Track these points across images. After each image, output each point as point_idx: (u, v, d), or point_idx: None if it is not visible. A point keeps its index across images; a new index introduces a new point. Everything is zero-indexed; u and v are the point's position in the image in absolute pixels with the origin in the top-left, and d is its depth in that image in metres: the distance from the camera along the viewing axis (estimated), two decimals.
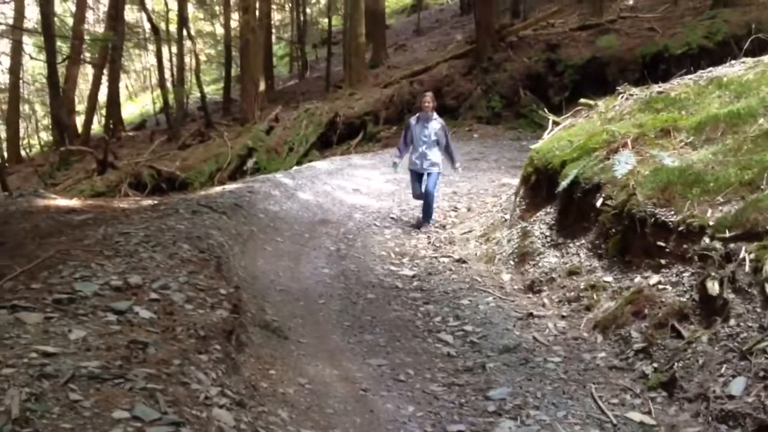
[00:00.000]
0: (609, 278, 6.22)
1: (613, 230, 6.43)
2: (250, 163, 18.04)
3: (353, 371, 5.23)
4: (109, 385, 3.48)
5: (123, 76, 34.88)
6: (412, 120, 9.81)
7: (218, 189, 11.80)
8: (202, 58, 32.20)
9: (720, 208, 5.60)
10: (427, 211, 9.75)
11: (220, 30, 32.27)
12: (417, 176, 9.75)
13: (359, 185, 12.09)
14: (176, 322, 4.50)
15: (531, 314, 6.31)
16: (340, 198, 11.26)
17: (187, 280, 5.35)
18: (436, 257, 8.35)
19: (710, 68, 8.87)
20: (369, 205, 10.82)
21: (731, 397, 4.28)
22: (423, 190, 9.69)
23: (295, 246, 8.71)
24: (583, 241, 6.89)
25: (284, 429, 3.97)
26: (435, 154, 9.61)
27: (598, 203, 6.73)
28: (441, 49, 24.37)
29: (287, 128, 19.22)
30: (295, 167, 14.92)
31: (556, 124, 10.35)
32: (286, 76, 34.21)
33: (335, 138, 18.81)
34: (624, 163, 6.82)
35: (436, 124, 9.60)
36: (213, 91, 34.94)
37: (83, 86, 35.03)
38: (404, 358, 5.55)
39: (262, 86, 24.18)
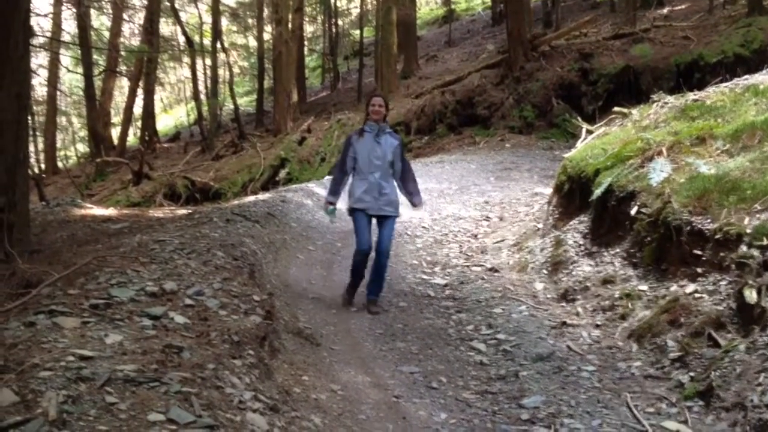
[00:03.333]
0: (644, 287, 6.15)
1: (648, 238, 6.35)
2: (282, 173, 18.18)
3: (385, 378, 5.23)
4: (145, 388, 3.52)
5: (158, 89, 35.37)
6: (354, 136, 6.90)
7: (251, 198, 11.90)
8: (236, 70, 32.56)
9: (757, 215, 5.51)
10: (379, 279, 6.90)
11: (253, 42, 32.60)
12: (366, 219, 6.77)
13: None
14: (210, 328, 4.54)
15: (564, 323, 6.26)
16: None
17: (221, 287, 5.40)
18: (468, 266, 8.33)
19: (746, 76, 8.77)
20: (401, 215, 10.80)
21: None
22: (374, 244, 6.80)
23: (327, 255, 8.74)
24: (617, 250, 6.82)
25: None
26: (392, 187, 6.86)
27: (633, 211, 6.67)
28: (472, 60, 24.37)
29: (319, 139, 19.35)
30: (327, 177, 14.99)
31: (589, 132, 10.29)
32: (318, 88, 34.44)
33: None
34: (659, 170, 6.75)
35: (391, 140, 6.83)
36: (246, 102, 35.31)
37: (119, 98, 35.61)
38: (437, 365, 5.54)
39: (294, 97, 24.38)
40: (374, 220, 6.86)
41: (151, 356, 3.90)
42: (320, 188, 12.07)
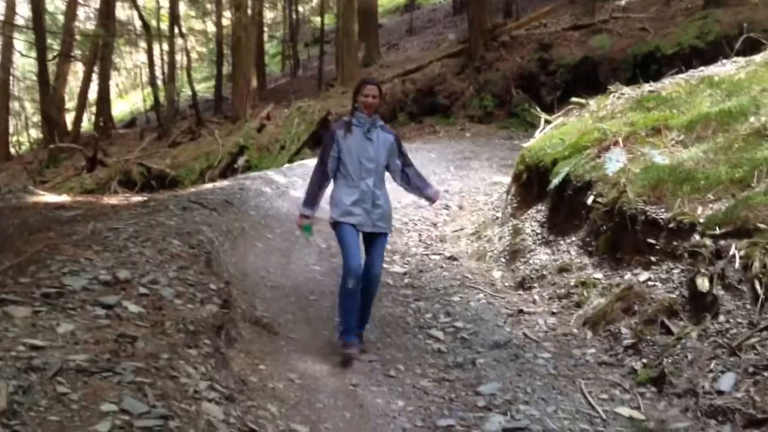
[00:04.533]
0: (599, 275, 6.23)
1: (604, 227, 6.43)
2: (241, 160, 17.99)
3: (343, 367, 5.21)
4: (97, 378, 3.46)
5: (113, 74, 34.79)
6: (339, 130, 5.46)
7: (209, 186, 11.76)
8: (194, 55, 32.11)
9: (710, 205, 5.62)
10: (366, 310, 5.62)
11: (211, 28, 32.18)
12: (356, 234, 5.40)
13: None
14: (165, 317, 4.48)
15: (521, 311, 6.32)
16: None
17: (176, 275, 5.32)
18: (427, 255, 8.35)
19: (702, 68, 8.90)
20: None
21: (720, 393, 4.29)
22: (364, 265, 5.41)
23: (286, 243, 8.68)
24: (573, 239, 6.90)
25: (273, 423, 3.96)
26: (386, 196, 5.55)
27: (589, 201, 6.75)
28: (434, 49, 24.39)
29: (279, 126, 19.18)
30: (287, 165, 14.89)
31: (547, 122, 10.36)
32: (277, 75, 34.17)
33: None
34: (615, 161, 6.84)
35: (386, 136, 5.51)
36: (204, 89, 34.87)
37: (73, 83, 34.90)
38: (395, 353, 5.55)
39: (253, 84, 24.15)
40: (360, 235, 5.47)
41: (104, 346, 3.83)
42: (280, 176, 11.98)
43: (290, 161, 16.38)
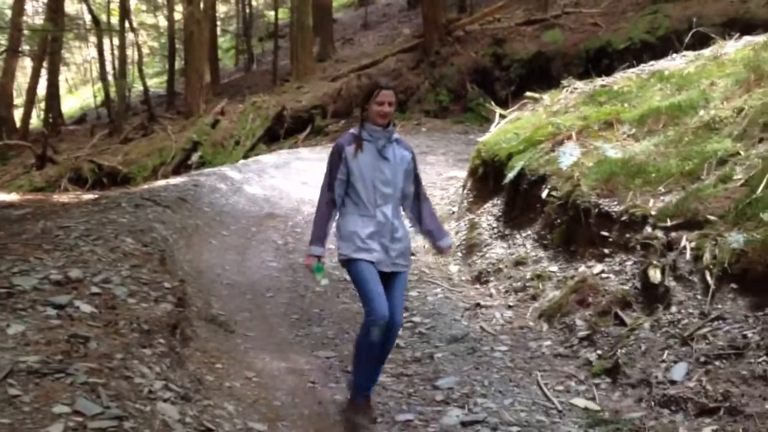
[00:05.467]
0: (554, 268, 6.30)
1: (559, 221, 6.51)
2: (195, 157, 17.80)
3: (301, 364, 5.19)
4: (49, 379, 3.39)
5: (63, 69, 34.05)
6: (347, 147, 4.36)
7: (162, 183, 11.59)
8: (145, 50, 31.65)
9: (662, 198, 5.72)
10: (380, 364, 4.58)
11: (163, 22, 31.70)
12: (375, 269, 4.33)
13: (307, 179, 11.98)
14: (119, 316, 4.40)
15: (478, 305, 6.36)
16: (287, 191, 11.15)
17: (129, 274, 5.23)
18: None
19: (652, 62, 9.04)
20: (317, 199, 10.70)
21: (673, 382, 4.38)
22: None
23: (242, 240, 8.60)
24: (529, 232, 6.97)
25: (231, 422, 3.92)
26: (404, 227, 4.54)
27: (544, 194, 6.82)
28: (389, 43, 24.37)
29: (233, 122, 19.01)
30: (242, 161, 14.75)
31: (502, 117, 10.43)
32: (231, 70, 33.81)
33: (282, 132, 18.65)
34: (569, 155, 6.92)
35: (403, 153, 4.46)
36: (156, 84, 34.36)
37: (22, 79, 34.03)
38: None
39: (207, 79, 23.89)
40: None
41: (56, 347, 3.76)
42: (235, 172, 11.86)
43: (245, 157, 16.25)
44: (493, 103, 13.61)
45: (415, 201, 4.55)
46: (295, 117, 18.83)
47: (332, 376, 5.02)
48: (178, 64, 28.41)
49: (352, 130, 4.44)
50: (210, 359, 4.87)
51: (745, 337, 4.35)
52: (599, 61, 14.80)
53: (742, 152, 5.71)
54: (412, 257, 7.89)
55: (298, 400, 4.57)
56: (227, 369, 4.80)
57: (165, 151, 18.55)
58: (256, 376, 4.82)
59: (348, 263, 4.37)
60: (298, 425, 4.21)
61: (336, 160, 4.34)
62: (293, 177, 12.05)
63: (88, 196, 10.20)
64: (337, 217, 4.46)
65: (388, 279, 4.36)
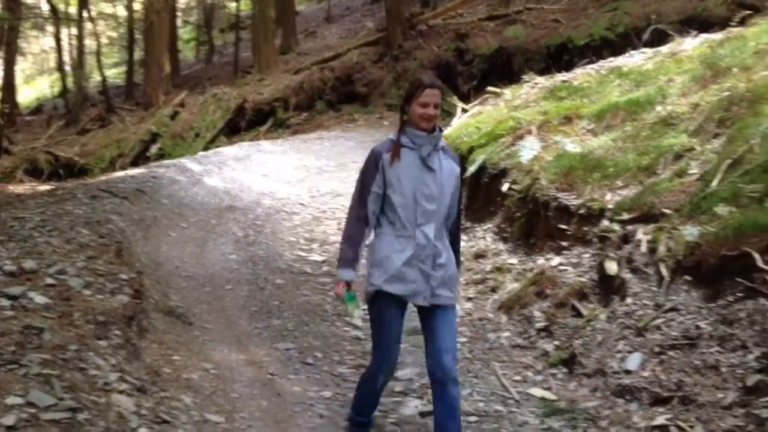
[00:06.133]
0: (514, 260, 6.36)
1: (518, 214, 6.57)
2: (153, 148, 17.59)
3: (260, 356, 5.16)
4: (2, 371, 3.36)
5: (19, 59, 33.28)
6: (385, 154, 3.71)
7: (120, 174, 11.42)
8: (104, 40, 31.06)
9: (619, 191, 5.81)
10: (454, 421, 3.67)
11: (122, 11, 31.18)
12: (399, 312, 3.76)
13: (268, 171, 11.92)
14: (74, 308, 4.34)
15: None
16: (248, 184, 11.07)
17: (85, 266, 5.14)
18: None
19: (611, 58, 9.15)
20: (278, 191, 10.68)
21: (628, 372, 4.46)
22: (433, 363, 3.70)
23: (201, 232, 8.52)
24: (489, 225, 7.02)
25: (187, 414, 3.88)
26: (449, 251, 3.82)
27: (504, 188, 6.87)
28: (352, 36, 24.30)
29: (193, 113, 18.80)
30: (202, 152, 14.60)
31: (464, 111, 10.47)
32: (192, 61, 33.41)
33: (244, 124, 18.49)
34: (529, 149, 6.99)
35: (450, 165, 3.78)
36: (115, 74, 33.78)
37: None
38: (312, 341, 5.52)
39: (166, 70, 23.52)
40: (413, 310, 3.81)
41: (9, 338, 3.71)
42: (194, 164, 11.72)
43: (205, 149, 16.08)
44: (455, 97, 13.66)
45: (454, 226, 3.85)
46: (256, 109, 18.68)
47: (291, 367, 5.00)
48: (138, 54, 27.96)
49: (390, 136, 3.76)
50: (167, 351, 4.82)
51: (698, 327, 4.44)
52: (560, 57, 14.92)
53: (697, 147, 5.82)
54: None
55: (257, 392, 4.55)
56: (185, 361, 4.76)
57: (123, 142, 18.30)
58: (214, 368, 4.78)
59: (375, 296, 3.67)
60: (256, 417, 4.18)
61: (371, 170, 3.67)
62: (254, 169, 11.96)
63: (44, 188, 10.02)
64: (371, 238, 3.77)
65: (429, 315, 3.66)
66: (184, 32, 36.84)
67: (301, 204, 10.02)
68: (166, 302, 5.91)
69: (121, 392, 3.64)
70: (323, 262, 7.60)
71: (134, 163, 16.42)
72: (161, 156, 16.82)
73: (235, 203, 9.99)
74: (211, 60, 30.45)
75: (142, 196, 9.00)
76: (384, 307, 3.68)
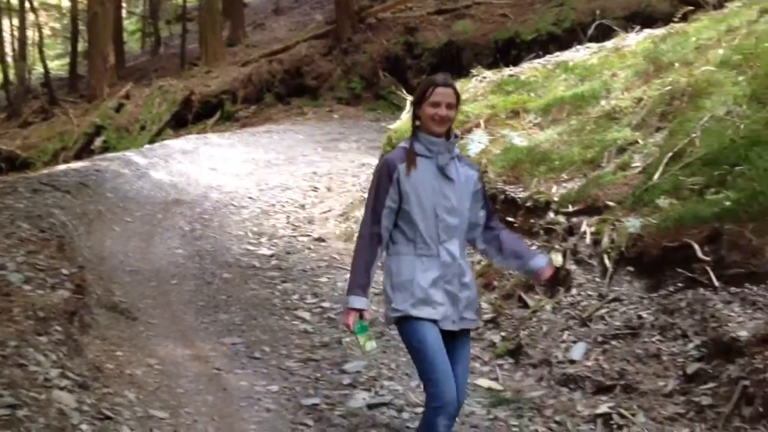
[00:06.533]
0: None
1: None
2: (98, 141, 17.26)
3: (206, 351, 5.09)
4: None
5: None
6: (399, 164, 3.34)
7: (62, 167, 11.16)
8: (46, 31, 30.30)
9: (564, 184, 5.89)
10: None
11: (66, 2, 30.45)
12: (440, 335, 3.29)
13: (216, 165, 11.78)
14: (13, 303, 4.23)
15: None
16: (195, 177, 10.92)
17: (25, 260, 5.01)
18: (295, 236, 8.28)
19: (558, 53, 9.26)
20: (226, 185, 10.56)
21: (572, 362, 4.54)
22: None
23: (147, 226, 8.38)
24: None
25: (131, 410, 3.82)
26: (470, 270, 3.57)
27: None
28: (301, 29, 24.14)
29: (139, 106, 18.48)
30: (148, 146, 14.35)
31: None
32: (137, 53, 32.79)
33: (191, 117, 18.22)
34: (477, 142, 7.04)
35: (468, 171, 3.49)
36: (58, 66, 32.97)
37: None
38: (260, 335, 5.47)
39: (111, 62, 23.04)
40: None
41: None
42: (139, 157, 11.51)
43: (151, 142, 15.81)
44: (404, 90, 13.69)
45: (488, 230, 3.51)
46: (203, 102, 18.43)
47: (238, 362, 4.95)
48: (81, 46, 27.34)
49: (402, 144, 3.43)
50: (110, 347, 4.73)
51: (640, 317, 4.54)
52: (508, 52, 15.06)
53: (640, 141, 5.93)
54: (323, 243, 8.00)
55: (202, 387, 4.49)
56: (128, 356, 4.67)
57: (66, 135, 17.91)
58: (158, 364, 4.70)
59: (403, 322, 3.29)
60: (201, 412, 4.13)
61: (384, 183, 3.31)
62: (201, 163, 11.81)
63: None
64: (383, 258, 3.43)
65: (452, 340, 3.32)
66: (130, 23, 36.13)
67: (250, 197, 9.93)
68: (110, 297, 5.80)
69: (62, 388, 3.57)
70: (272, 255, 7.55)
71: (78, 157, 16.08)
72: (106, 149, 16.51)
73: (182, 197, 9.85)
74: (157, 52, 29.93)
75: (85, 189, 8.81)
76: (419, 329, 3.23)
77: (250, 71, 19.03)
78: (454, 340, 3.33)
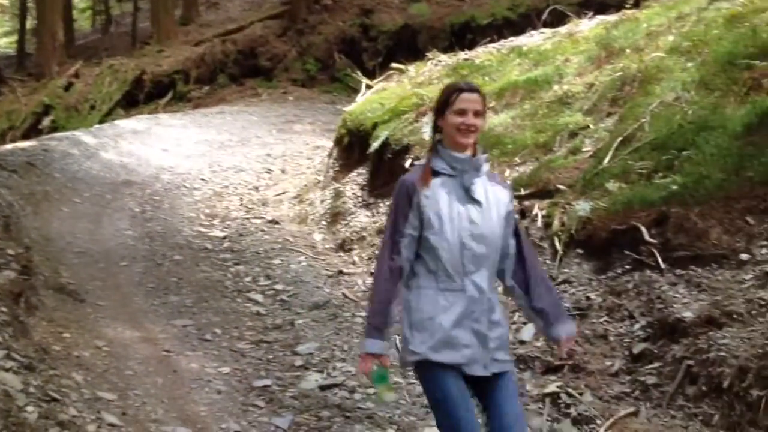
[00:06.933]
0: None
1: None
2: (46, 121, 16.86)
3: (156, 333, 5.04)
4: None
5: None
6: (414, 181, 2.89)
7: (8, 147, 10.88)
8: None
9: (517, 168, 5.95)
10: None
11: None
12: (463, 384, 2.81)
13: (168, 145, 11.61)
14: None
15: (341, 272, 6.40)
16: (146, 158, 10.75)
17: None
18: (248, 218, 8.22)
19: (512, 38, 9.32)
20: (178, 166, 10.42)
21: (522, 343, 4.60)
22: None
23: (96, 207, 8.24)
24: None
25: (78, 392, 3.76)
26: (500, 305, 2.95)
27: (407, 164, 6.90)
28: (255, 9, 23.83)
29: (89, 85, 18.09)
30: (98, 125, 14.07)
31: (369, 87, 10.47)
32: (88, 31, 32.04)
33: (142, 97, 17.89)
34: (432, 125, 7.04)
35: (499, 191, 2.95)
36: (5, 44, 32.11)
37: None
38: (212, 318, 5.43)
39: (60, 40, 22.45)
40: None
41: None
42: (89, 137, 11.29)
43: (101, 122, 15.50)
44: (360, 73, 13.65)
45: (519, 263, 2.96)
46: (155, 82, 18.09)
47: (189, 344, 4.92)
48: (30, 23, 26.63)
49: (421, 161, 3.02)
50: (57, 328, 4.65)
51: (588, 299, 4.62)
52: (463, 36, 15.09)
53: (591, 125, 6.01)
54: (277, 225, 7.96)
55: (152, 369, 4.45)
56: (76, 338, 4.60)
57: (14, 114, 17.47)
58: (106, 346, 4.64)
59: (422, 368, 2.83)
60: (151, 394, 4.09)
61: (403, 208, 2.87)
62: (153, 143, 11.62)
63: None
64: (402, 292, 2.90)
65: (488, 386, 2.83)
66: (80, 1, 35.30)
67: (202, 179, 9.82)
68: (57, 279, 5.70)
69: (7, 370, 3.49)
70: (224, 238, 7.49)
71: (26, 136, 15.69)
72: (54, 129, 16.12)
73: (132, 178, 9.70)
74: (108, 30, 29.27)
75: (33, 169, 8.63)
76: (440, 379, 2.78)
77: (204, 51, 18.73)
78: (487, 385, 2.83)
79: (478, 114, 2.84)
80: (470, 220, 2.83)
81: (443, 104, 2.87)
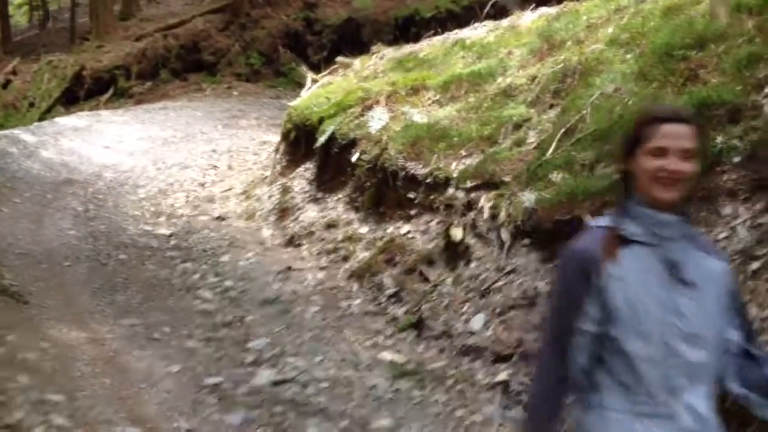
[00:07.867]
0: (364, 229, 6.44)
1: (368, 184, 6.65)
2: None
3: (103, 333, 4.97)
4: None
5: None
6: (604, 257, 1.87)
7: None
8: None
9: (463, 161, 6.00)
10: None
11: None
12: None
13: (110, 143, 11.39)
14: None
15: (290, 267, 6.39)
16: (88, 156, 10.53)
17: None
18: (194, 216, 8.13)
19: (456, 30, 9.38)
20: (121, 164, 10.24)
21: (472, 333, 4.66)
22: None
23: (37, 207, 8.05)
24: (340, 195, 7.06)
25: (25, 394, 3.70)
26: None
27: (354, 158, 6.93)
28: (197, 3, 23.50)
29: (27, 82, 17.61)
30: (37, 123, 13.72)
31: (314, 81, 10.43)
32: (24, 27, 31.16)
33: (82, 93, 17.47)
34: (378, 119, 7.08)
35: (714, 264, 1.92)
36: None
37: None
38: (160, 316, 5.37)
39: None
40: None
41: None
42: (28, 135, 11.01)
43: (41, 119, 15.10)
44: (305, 67, 13.60)
45: (749, 362, 1.97)
46: (96, 78, 17.70)
47: (137, 343, 4.86)
48: None
49: (600, 221, 2.06)
50: (1, 331, 4.55)
51: (535, 288, 4.69)
52: (408, 29, 15.16)
53: (534, 117, 6.09)
54: (224, 222, 7.91)
55: (99, 369, 4.39)
56: (20, 340, 4.51)
57: None
58: (52, 347, 4.56)
59: None
60: (99, 395, 4.04)
61: (577, 290, 1.92)
62: (94, 141, 11.39)
63: None
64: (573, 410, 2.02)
65: None
66: None
67: (146, 176, 9.68)
68: None
69: None
70: (171, 235, 7.41)
71: None
72: None
73: (74, 176, 9.50)
74: (46, 25, 28.54)
75: None
76: None
77: (145, 46, 18.39)
78: None
79: (687, 155, 1.86)
80: (677, 312, 1.88)
81: (633, 141, 1.94)
